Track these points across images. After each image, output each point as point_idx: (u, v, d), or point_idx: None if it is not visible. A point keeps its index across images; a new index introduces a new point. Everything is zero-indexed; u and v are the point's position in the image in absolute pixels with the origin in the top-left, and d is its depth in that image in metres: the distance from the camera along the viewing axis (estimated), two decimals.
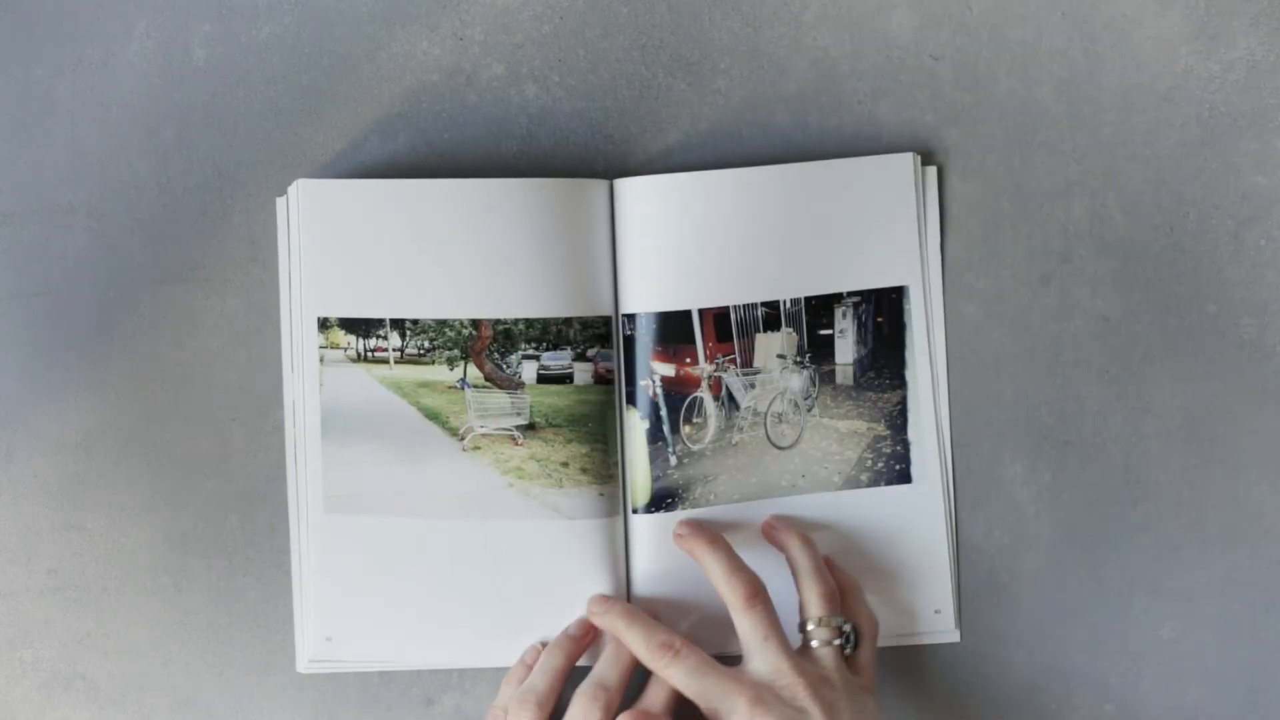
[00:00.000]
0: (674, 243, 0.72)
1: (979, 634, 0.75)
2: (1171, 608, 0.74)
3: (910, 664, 0.75)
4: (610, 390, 0.73)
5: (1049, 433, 0.75)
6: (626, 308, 0.73)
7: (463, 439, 0.73)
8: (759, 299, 0.73)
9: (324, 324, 0.72)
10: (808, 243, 0.73)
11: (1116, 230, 0.75)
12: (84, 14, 0.76)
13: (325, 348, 0.72)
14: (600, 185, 0.73)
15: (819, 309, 0.73)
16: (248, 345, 0.75)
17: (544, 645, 0.72)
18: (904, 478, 0.74)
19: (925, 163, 0.75)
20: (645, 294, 0.73)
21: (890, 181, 0.73)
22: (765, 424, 0.74)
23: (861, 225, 0.73)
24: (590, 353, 0.73)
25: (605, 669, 0.70)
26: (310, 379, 0.72)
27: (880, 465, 0.74)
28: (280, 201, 0.74)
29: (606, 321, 0.73)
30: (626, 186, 0.73)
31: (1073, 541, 0.75)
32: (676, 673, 0.66)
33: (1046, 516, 0.75)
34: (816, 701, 0.64)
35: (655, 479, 0.73)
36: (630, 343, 0.73)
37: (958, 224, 0.75)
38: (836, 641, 0.68)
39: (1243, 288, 0.75)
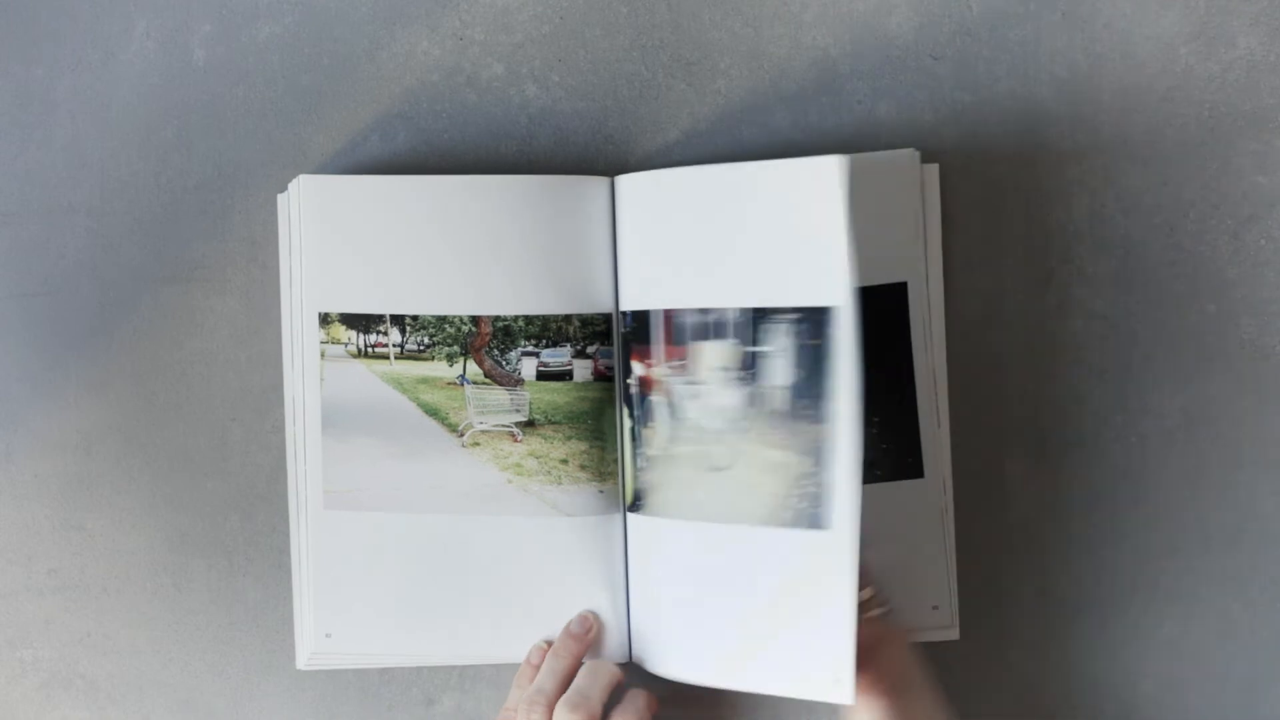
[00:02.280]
0: (673, 239, 0.72)
1: (979, 633, 0.74)
2: (1171, 608, 0.74)
3: None
4: (609, 387, 0.73)
5: (1049, 433, 0.75)
6: (626, 305, 0.73)
7: (462, 435, 0.73)
8: (744, 303, 0.70)
9: (325, 319, 0.72)
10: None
11: (1116, 230, 0.75)
12: (84, 14, 0.76)
13: (326, 343, 0.72)
14: (601, 182, 0.73)
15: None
16: (248, 345, 0.75)
17: (548, 644, 0.72)
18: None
19: (925, 161, 0.74)
20: (645, 291, 0.72)
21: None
22: (705, 439, 0.70)
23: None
24: (590, 350, 0.73)
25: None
26: (311, 374, 0.72)
27: (804, 505, 0.67)
28: (281, 198, 0.74)
29: (606, 319, 0.73)
30: (627, 183, 0.73)
31: (1073, 541, 0.74)
32: None
33: (1046, 516, 0.75)
34: None
35: (636, 478, 0.73)
36: (629, 340, 0.73)
37: (958, 224, 0.75)
38: None
39: (1243, 288, 0.75)
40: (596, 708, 0.67)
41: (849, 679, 0.65)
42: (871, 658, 0.67)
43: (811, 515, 0.67)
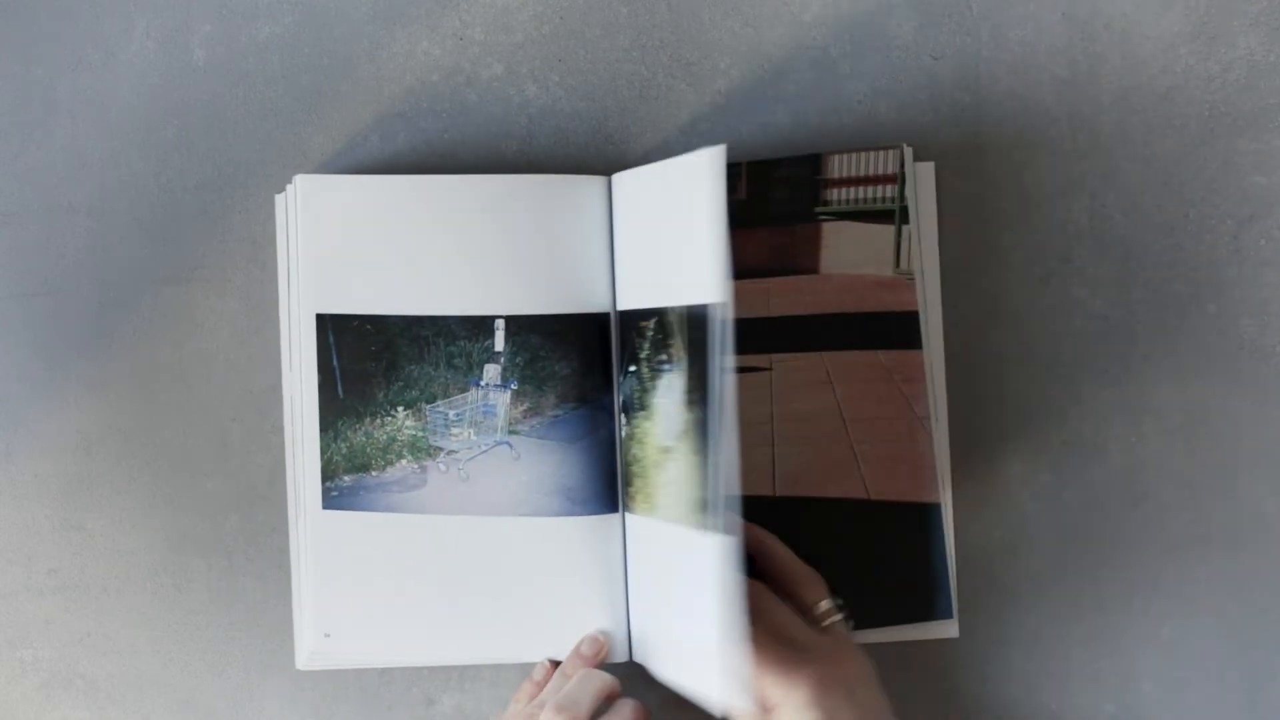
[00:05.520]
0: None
1: (979, 634, 0.74)
2: (1171, 608, 0.74)
3: (910, 662, 0.74)
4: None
5: (1049, 433, 0.75)
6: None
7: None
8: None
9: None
10: None
11: (1116, 230, 0.75)
12: (84, 14, 0.76)
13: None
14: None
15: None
16: (247, 345, 0.75)
17: (554, 664, 0.71)
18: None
19: (921, 159, 0.74)
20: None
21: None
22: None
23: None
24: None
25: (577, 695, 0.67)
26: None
27: None
28: (279, 198, 0.74)
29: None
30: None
31: (1073, 541, 0.75)
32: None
33: (1046, 516, 0.75)
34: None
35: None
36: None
37: (957, 223, 0.75)
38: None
39: (1243, 288, 0.75)
40: (584, 714, 0.65)
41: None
42: (819, 661, 0.66)
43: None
